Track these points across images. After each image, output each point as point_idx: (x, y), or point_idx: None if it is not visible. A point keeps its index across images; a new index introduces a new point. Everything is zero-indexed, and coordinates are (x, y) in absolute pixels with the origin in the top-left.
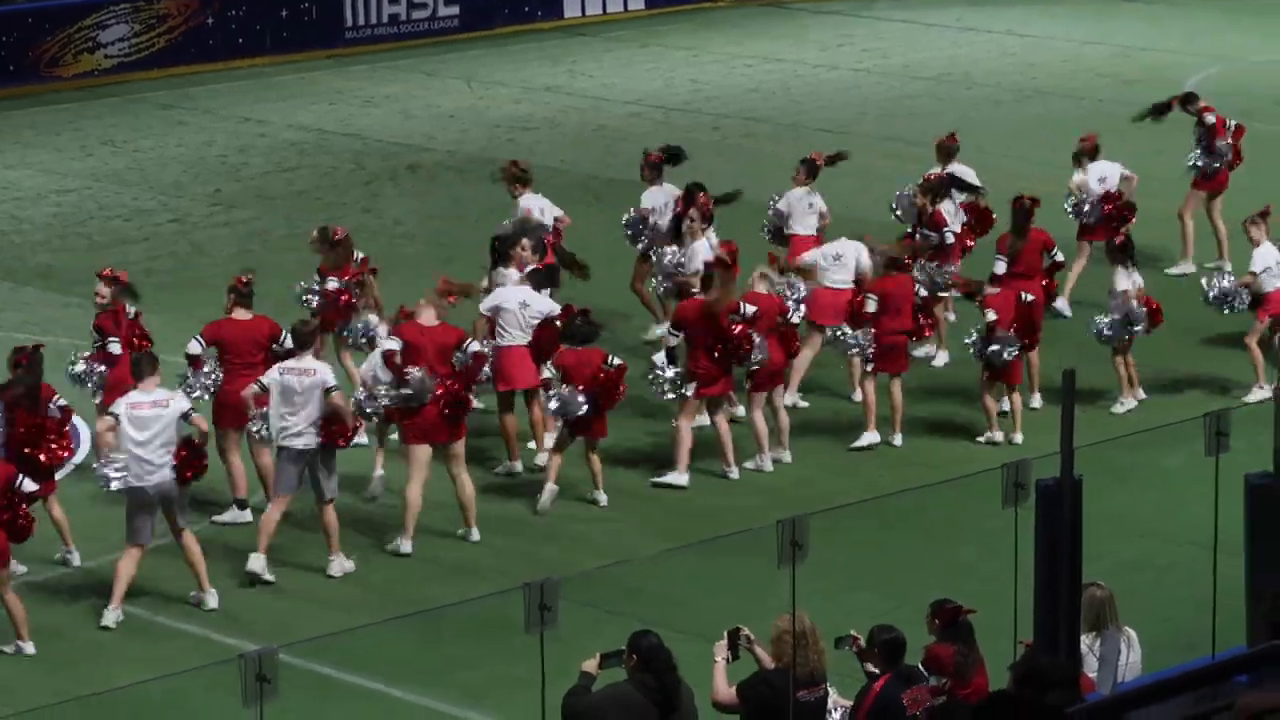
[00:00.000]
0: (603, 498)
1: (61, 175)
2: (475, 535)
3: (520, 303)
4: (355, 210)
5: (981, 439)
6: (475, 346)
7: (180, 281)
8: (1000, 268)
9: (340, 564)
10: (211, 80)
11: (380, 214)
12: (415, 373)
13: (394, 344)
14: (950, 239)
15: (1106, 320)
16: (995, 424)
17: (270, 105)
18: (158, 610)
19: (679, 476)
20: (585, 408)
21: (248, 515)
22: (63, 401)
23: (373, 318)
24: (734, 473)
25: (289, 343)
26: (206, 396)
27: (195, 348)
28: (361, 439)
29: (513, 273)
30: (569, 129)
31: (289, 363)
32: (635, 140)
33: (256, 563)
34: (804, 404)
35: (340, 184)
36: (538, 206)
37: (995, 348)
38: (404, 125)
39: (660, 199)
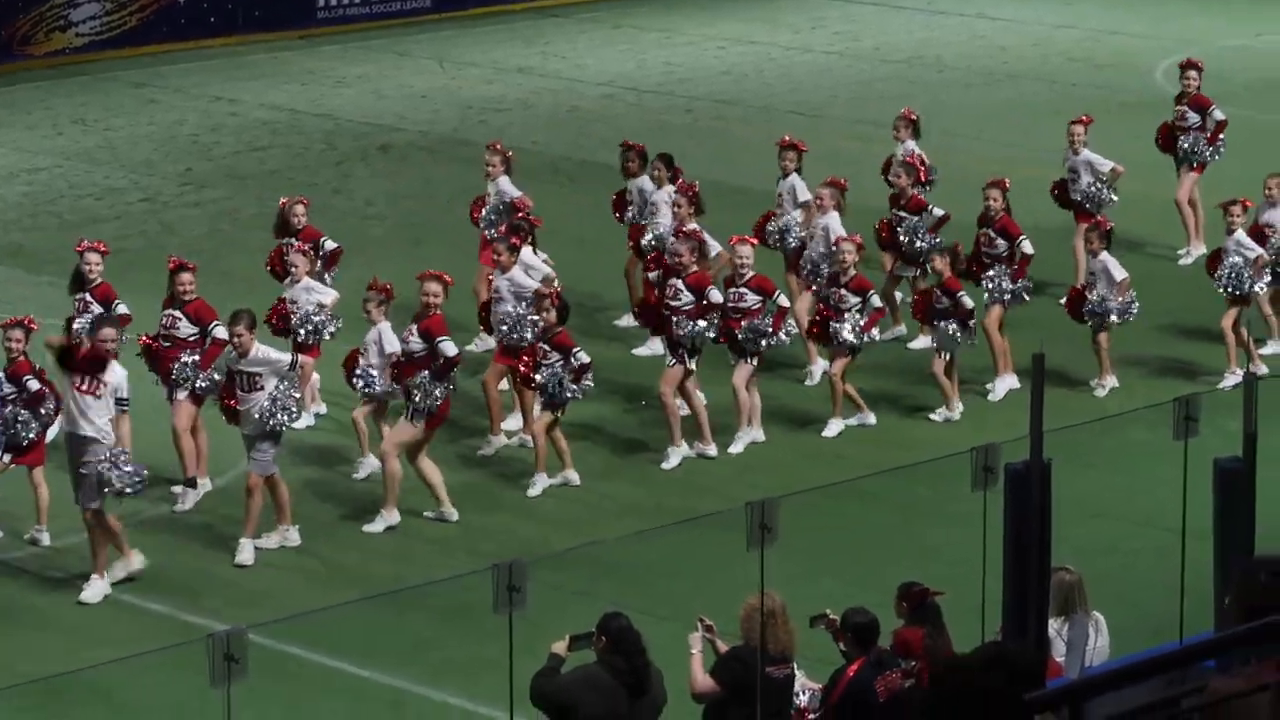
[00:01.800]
0: (574, 476)
1: (32, 154)
2: (454, 514)
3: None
4: (326, 190)
5: (937, 415)
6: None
7: (150, 260)
8: (1028, 247)
9: (248, 551)
10: (183, 59)
11: (351, 194)
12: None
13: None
14: (939, 212)
15: (1115, 304)
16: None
17: (242, 85)
18: (124, 589)
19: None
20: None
21: (207, 485)
22: (34, 385)
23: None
24: (712, 449)
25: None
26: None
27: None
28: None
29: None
30: (541, 110)
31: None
32: (608, 122)
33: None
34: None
35: (311, 164)
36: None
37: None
38: (376, 105)
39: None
